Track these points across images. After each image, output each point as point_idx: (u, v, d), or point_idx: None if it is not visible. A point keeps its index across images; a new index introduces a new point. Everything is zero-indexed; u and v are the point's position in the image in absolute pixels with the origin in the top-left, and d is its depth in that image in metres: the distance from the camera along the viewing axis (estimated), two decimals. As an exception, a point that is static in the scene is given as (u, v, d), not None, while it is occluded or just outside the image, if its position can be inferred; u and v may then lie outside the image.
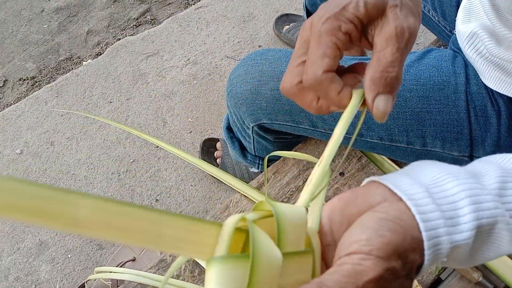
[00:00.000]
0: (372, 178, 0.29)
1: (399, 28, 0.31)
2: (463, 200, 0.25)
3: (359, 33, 0.33)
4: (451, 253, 0.25)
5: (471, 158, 0.61)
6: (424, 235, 0.24)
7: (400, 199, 0.26)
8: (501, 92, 0.55)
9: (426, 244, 0.24)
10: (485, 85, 0.58)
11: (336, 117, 0.63)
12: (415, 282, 0.63)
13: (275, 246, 0.22)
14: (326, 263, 0.27)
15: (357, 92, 0.33)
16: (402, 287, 0.25)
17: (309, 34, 0.34)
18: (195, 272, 0.65)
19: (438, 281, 0.65)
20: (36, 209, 0.18)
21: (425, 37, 1.47)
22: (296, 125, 0.67)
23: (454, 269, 0.64)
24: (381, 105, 0.31)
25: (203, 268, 0.65)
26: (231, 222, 0.23)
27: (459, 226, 0.25)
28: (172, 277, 0.64)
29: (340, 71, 0.34)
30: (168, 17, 1.59)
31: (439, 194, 0.26)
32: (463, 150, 0.60)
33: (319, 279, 0.23)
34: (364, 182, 0.30)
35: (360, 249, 0.24)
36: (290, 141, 0.80)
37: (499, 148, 0.59)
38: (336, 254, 0.25)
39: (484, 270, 0.62)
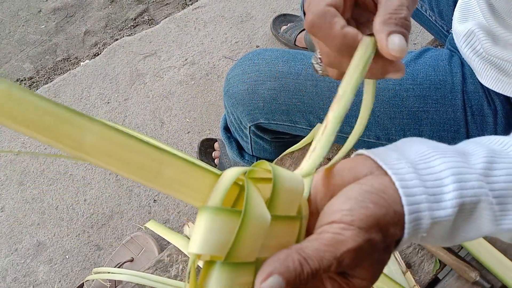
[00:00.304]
0: (360, 151, 0.29)
1: None
2: (448, 177, 0.25)
3: None
4: (431, 229, 0.25)
5: None
6: (406, 209, 0.25)
7: (386, 173, 0.26)
8: (498, 91, 0.56)
9: (406, 218, 0.25)
10: (481, 84, 0.58)
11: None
12: (413, 282, 0.63)
13: (266, 208, 0.23)
14: (307, 231, 0.27)
15: (365, 40, 0.30)
16: (380, 260, 0.25)
17: None
18: (193, 272, 0.65)
19: (435, 280, 0.65)
20: (44, 126, 0.18)
21: (422, 37, 1.47)
22: (293, 125, 0.67)
23: (451, 269, 0.64)
24: (396, 40, 0.29)
25: (201, 268, 0.65)
26: (230, 175, 0.23)
27: (442, 203, 0.25)
28: (169, 277, 0.64)
29: None
30: (166, 18, 1.59)
31: (425, 171, 0.26)
32: (460, 149, 0.60)
33: (299, 245, 0.23)
34: (352, 155, 0.30)
35: (342, 218, 0.24)
36: (288, 141, 0.80)
37: None
38: (318, 223, 0.25)
39: (482, 269, 0.62)
